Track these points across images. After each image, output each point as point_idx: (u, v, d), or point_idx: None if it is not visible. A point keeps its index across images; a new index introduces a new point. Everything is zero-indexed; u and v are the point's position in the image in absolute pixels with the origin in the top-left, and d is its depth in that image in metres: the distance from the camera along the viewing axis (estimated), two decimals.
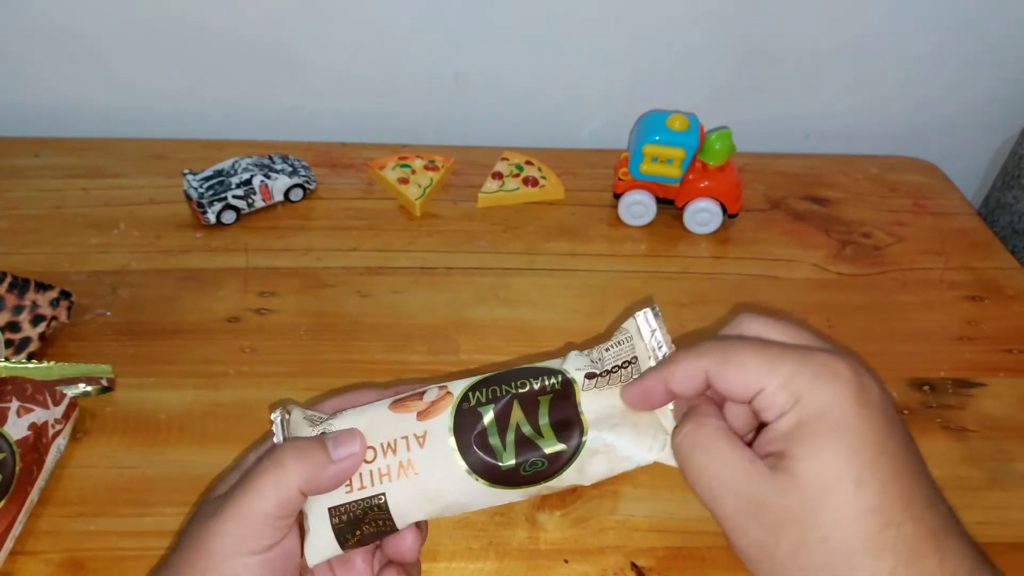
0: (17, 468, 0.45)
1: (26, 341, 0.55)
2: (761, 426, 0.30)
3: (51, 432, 0.48)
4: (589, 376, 0.34)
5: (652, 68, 0.80)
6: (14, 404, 0.47)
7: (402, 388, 0.37)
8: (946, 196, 0.77)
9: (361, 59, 0.79)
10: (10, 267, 0.57)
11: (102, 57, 0.78)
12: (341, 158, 0.77)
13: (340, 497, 0.33)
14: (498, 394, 0.34)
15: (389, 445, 0.34)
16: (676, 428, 0.32)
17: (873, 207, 0.75)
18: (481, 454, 0.33)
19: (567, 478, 0.33)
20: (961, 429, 0.55)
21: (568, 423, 0.33)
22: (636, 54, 0.79)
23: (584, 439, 0.33)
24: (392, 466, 0.33)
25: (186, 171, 0.69)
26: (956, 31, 0.78)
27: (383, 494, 0.33)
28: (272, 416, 0.36)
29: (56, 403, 0.49)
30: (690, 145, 0.66)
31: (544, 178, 0.74)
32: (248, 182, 0.68)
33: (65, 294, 0.57)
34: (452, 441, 0.33)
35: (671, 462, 0.33)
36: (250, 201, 0.69)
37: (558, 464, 0.33)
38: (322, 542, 0.33)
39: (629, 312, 0.35)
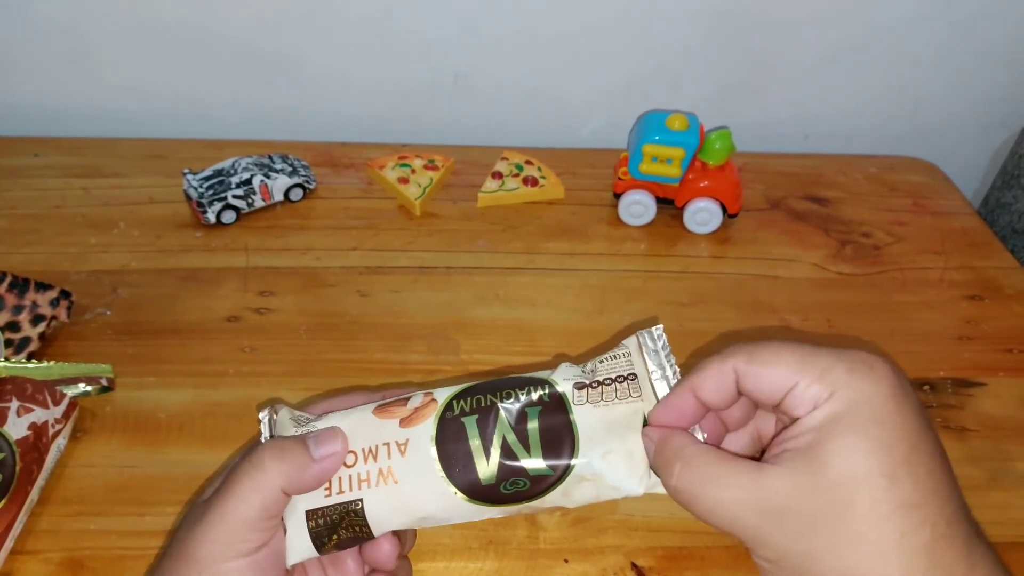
0: (17, 468, 0.45)
1: (26, 341, 0.55)
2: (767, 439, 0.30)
3: (51, 432, 0.48)
4: (578, 386, 0.33)
5: (652, 68, 0.80)
6: (14, 404, 0.47)
7: (390, 392, 0.36)
8: (946, 196, 0.77)
9: (361, 59, 0.79)
10: (10, 267, 0.57)
11: (102, 57, 0.78)
12: (341, 158, 0.77)
13: (318, 500, 0.33)
14: (483, 404, 0.33)
15: (370, 451, 0.33)
16: (663, 472, 0.30)
17: (873, 207, 0.75)
18: (462, 468, 0.32)
19: (550, 500, 0.32)
20: (961, 429, 0.55)
21: (558, 440, 0.32)
22: (636, 54, 0.79)
23: (573, 463, 0.31)
24: (372, 472, 0.32)
25: (186, 171, 0.69)
26: (956, 31, 0.78)
27: (360, 500, 0.32)
28: (260, 415, 0.36)
29: (56, 403, 0.49)
30: (690, 145, 0.66)
31: (544, 178, 0.74)
32: (248, 182, 0.68)
33: (65, 294, 0.57)
34: (433, 451, 0.32)
35: (663, 490, 0.31)
36: (250, 201, 0.69)
37: (542, 487, 0.32)
38: (299, 544, 0.33)
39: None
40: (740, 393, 0.30)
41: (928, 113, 0.84)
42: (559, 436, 0.32)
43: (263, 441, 0.35)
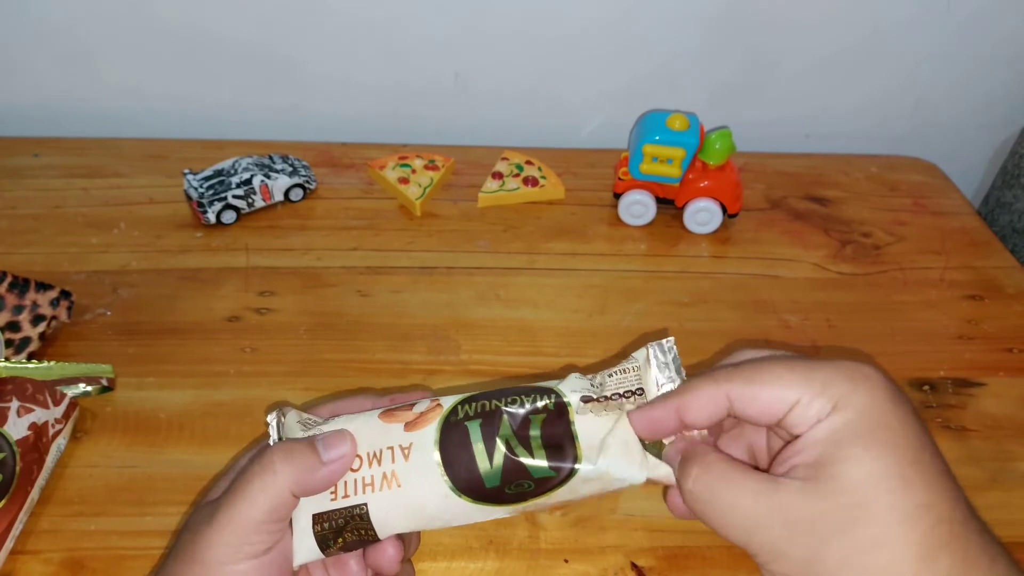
0: (17, 468, 0.45)
1: (26, 341, 0.55)
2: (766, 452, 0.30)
3: (51, 432, 0.48)
4: (585, 400, 0.33)
5: (652, 68, 0.80)
6: (14, 404, 0.47)
7: (397, 397, 0.36)
8: (946, 195, 0.77)
9: (361, 59, 0.79)
10: (10, 267, 0.57)
11: (102, 57, 0.78)
12: (341, 158, 0.77)
13: (324, 504, 0.33)
14: (487, 409, 0.33)
15: (375, 455, 0.33)
16: (680, 475, 0.30)
17: (873, 206, 0.75)
18: (465, 471, 0.32)
19: (557, 495, 0.32)
20: (961, 429, 0.55)
21: (560, 447, 0.32)
22: (636, 54, 0.79)
23: (576, 467, 0.32)
24: (376, 476, 0.33)
25: (186, 171, 0.69)
26: (956, 31, 0.78)
27: (365, 504, 0.33)
28: (268, 418, 0.36)
29: (56, 403, 0.49)
30: (690, 145, 0.66)
31: (544, 178, 0.74)
32: (248, 182, 0.68)
33: (65, 294, 0.57)
34: (437, 455, 0.32)
35: (665, 481, 0.32)
36: (250, 201, 0.69)
37: (546, 487, 0.32)
38: (305, 546, 0.33)
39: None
40: (729, 415, 0.30)
41: (928, 113, 0.84)
42: (562, 443, 0.32)
43: (271, 443, 0.35)
